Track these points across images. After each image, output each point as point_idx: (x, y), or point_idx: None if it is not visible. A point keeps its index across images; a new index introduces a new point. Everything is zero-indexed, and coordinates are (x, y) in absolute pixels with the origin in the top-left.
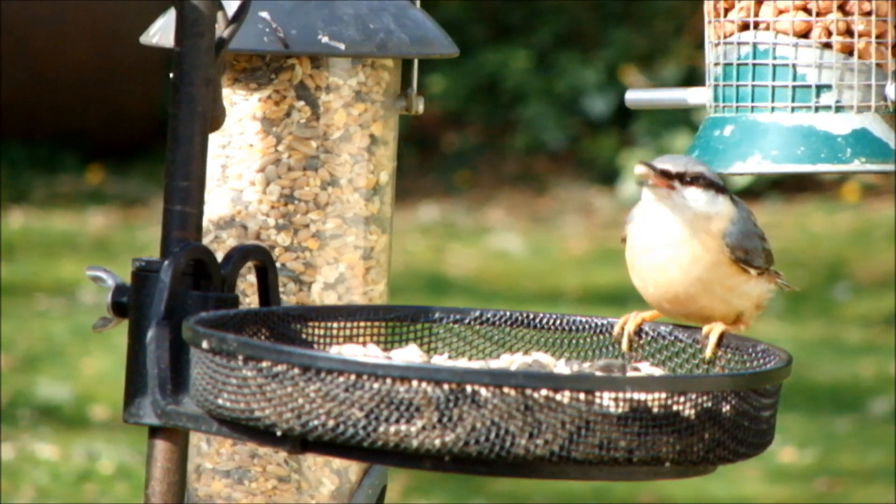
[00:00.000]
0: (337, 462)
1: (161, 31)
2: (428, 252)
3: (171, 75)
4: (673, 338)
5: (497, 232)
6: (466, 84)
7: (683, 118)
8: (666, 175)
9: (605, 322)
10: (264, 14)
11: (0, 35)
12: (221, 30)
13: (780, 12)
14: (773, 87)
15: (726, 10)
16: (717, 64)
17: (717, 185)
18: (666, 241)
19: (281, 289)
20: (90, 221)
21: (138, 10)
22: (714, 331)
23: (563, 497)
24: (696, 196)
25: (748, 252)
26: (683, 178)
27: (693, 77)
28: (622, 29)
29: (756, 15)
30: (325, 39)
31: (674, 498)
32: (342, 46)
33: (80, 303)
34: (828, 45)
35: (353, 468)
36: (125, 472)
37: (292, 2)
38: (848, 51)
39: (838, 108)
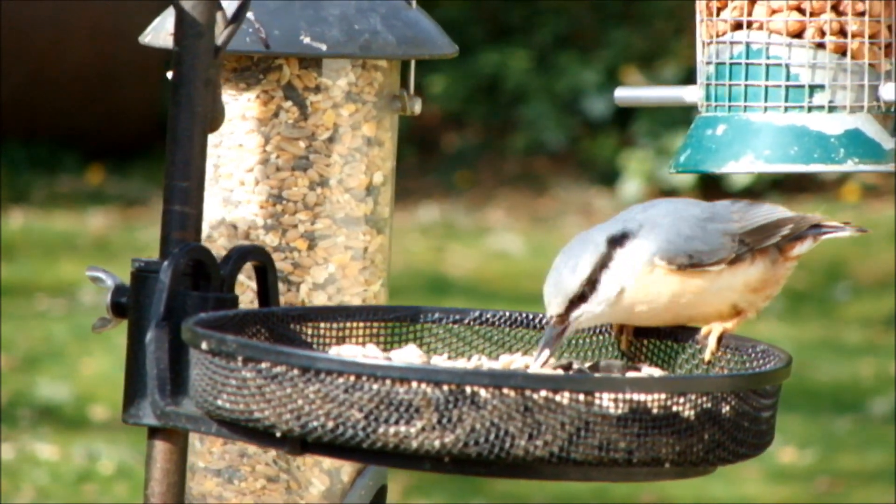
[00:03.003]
0: (328, 462)
1: (154, 31)
2: (428, 252)
3: (170, 75)
4: (672, 338)
5: (497, 232)
6: (466, 84)
7: (684, 118)
8: (560, 318)
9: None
10: (248, 14)
11: (0, 35)
12: (220, 30)
13: (774, 12)
14: (767, 86)
15: (719, 9)
16: (708, 63)
17: (604, 262)
18: (631, 306)
19: None
20: (90, 221)
21: (138, 10)
22: (713, 332)
23: (563, 497)
24: (590, 308)
25: (692, 255)
26: (571, 309)
27: (693, 78)
28: (622, 29)
29: (749, 14)
30: (306, 40)
31: (674, 498)
32: (324, 47)
33: (80, 303)
34: (821, 46)
35: (345, 468)
36: (125, 472)
37: (278, 2)
38: (841, 51)
39: (831, 109)
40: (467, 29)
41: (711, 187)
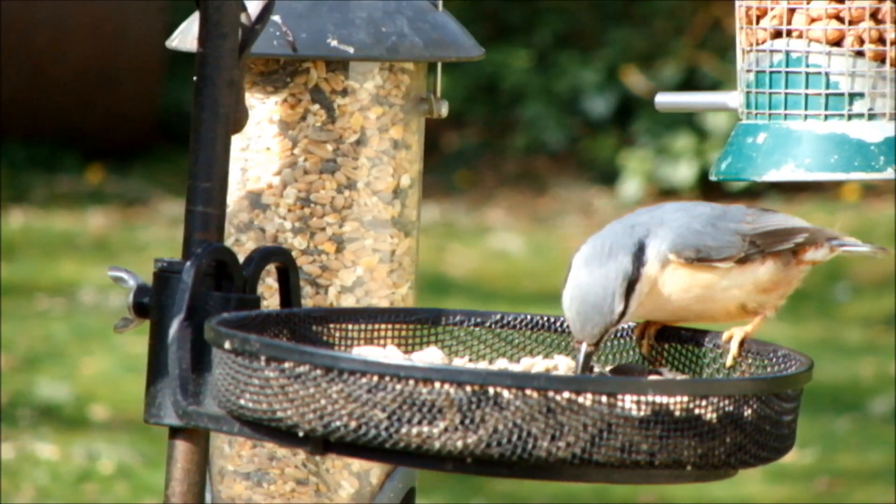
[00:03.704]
0: (357, 464)
1: (181, 35)
2: (428, 252)
3: (195, 77)
4: (694, 342)
5: (497, 232)
6: (466, 84)
7: (684, 118)
8: (593, 346)
9: (624, 326)
10: (276, 18)
11: (0, 35)
12: (245, 31)
13: (813, 20)
14: (806, 94)
15: (758, 17)
16: (749, 70)
17: (632, 287)
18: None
19: None
20: (90, 221)
21: (139, 10)
22: (735, 337)
23: (564, 497)
24: (620, 324)
25: (700, 250)
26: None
27: (693, 78)
28: (622, 29)
29: (789, 23)
30: (334, 43)
31: (674, 498)
32: (351, 50)
33: (80, 303)
34: (860, 54)
35: (374, 471)
36: (125, 472)
37: (305, 5)
38: (880, 59)
39: (871, 116)
40: (467, 29)
41: (713, 188)
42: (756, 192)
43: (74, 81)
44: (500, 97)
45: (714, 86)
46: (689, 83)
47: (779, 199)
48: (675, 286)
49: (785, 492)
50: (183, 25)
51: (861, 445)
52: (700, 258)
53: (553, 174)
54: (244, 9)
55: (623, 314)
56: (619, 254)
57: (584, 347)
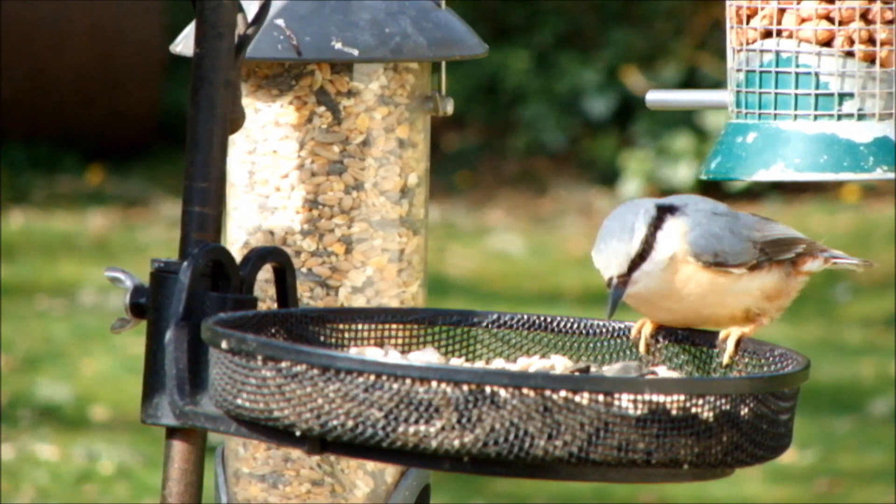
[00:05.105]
0: (371, 464)
1: (185, 40)
2: (428, 252)
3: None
4: (690, 342)
5: (497, 232)
6: (466, 84)
7: (684, 119)
8: (622, 278)
9: (622, 325)
10: (279, 21)
11: (0, 35)
12: (241, 32)
13: (803, 20)
14: (796, 95)
15: (748, 17)
16: (739, 70)
17: (657, 224)
18: (653, 294)
19: (308, 294)
20: (90, 221)
21: (139, 10)
22: (731, 336)
23: (564, 497)
24: (649, 268)
25: (717, 254)
26: (633, 269)
27: (693, 78)
28: (622, 29)
29: (779, 23)
30: (338, 46)
31: (674, 498)
32: (356, 52)
33: (80, 303)
34: (850, 54)
35: (389, 469)
36: (125, 472)
37: (308, 8)
38: (870, 59)
39: (860, 117)
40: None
41: (712, 188)
42: (756, 193)
43: (74, 81)
44: (501, 97)
45: (714, 86)
46: (689, 83)
47: (779, 199)
48: (692, 288)
49: (785, 492)
50: (187, 30)
51: (861, 446)
52: (717, 262)
53: (553, 175)
54: (241, 9)
55: (647, 245)
56: (645, 203)
57: (612, 288)
